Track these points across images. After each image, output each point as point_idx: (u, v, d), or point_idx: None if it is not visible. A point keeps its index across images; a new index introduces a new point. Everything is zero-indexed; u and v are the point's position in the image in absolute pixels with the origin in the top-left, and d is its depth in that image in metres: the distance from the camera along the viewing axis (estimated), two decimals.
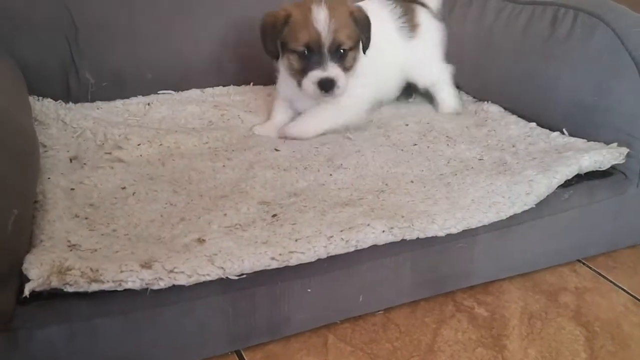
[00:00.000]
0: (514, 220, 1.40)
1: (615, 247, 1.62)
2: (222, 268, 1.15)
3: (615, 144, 1.54)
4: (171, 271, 1.12)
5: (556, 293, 1.48)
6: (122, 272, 1.08)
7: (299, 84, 1.65)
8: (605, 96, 1.57)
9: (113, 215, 1.34)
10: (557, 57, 1.69)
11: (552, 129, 1.69)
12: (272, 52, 1.67)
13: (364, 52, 1.69)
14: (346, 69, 1.64)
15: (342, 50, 1.62)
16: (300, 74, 1.64)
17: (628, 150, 1.52)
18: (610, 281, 1.52)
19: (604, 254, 1.61)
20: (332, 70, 1.60)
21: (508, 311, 1.41)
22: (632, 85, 1.54)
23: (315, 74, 1.60)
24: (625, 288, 1.50)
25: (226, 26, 2.08)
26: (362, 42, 1.67)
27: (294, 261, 1.20)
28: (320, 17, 1.58)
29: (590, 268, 1.57)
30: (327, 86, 1.60)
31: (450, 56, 1.99)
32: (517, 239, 1.46)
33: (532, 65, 1.75)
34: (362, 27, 1.66)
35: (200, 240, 1.22)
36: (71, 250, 1.15)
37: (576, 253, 1.59)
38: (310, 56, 1.61)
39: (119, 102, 1.93)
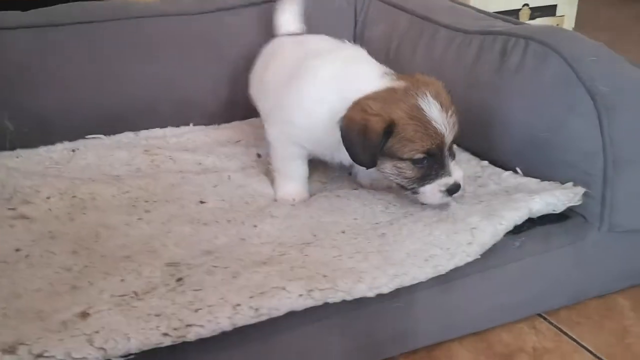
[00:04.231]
0: (457, 273, 1.24)
1: (580, 299, 1.46)
2: (103, 349, 0.98)
3: (570, 184, 1.37)
4: (39, 356, 0.95)
5: (512, 356, 1.31)
6: None
7: (413, 191, 1.37)
8: (560, 131, 1.42)
9: None
10: (508, 90, 1.54)
11: (506, 167, 1.54)
12: (365, 163, 1.36)
13: None
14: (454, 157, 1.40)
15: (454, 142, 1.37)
16: (415, 181, 1.35)
17: (585, 190, 1.36)
18: (573, 339, 1.35)
19: (568, 306, 1.45)
20: (457, 172, 1.35)
21: None
22: (587, 119, 1.38)
23: (443, 182, 1.33)
24: (589, 347, 1.33)
25: (160, 66, 1.94)
26: None
27: (192, 336, 1.04)
28: (437, 114, 1.30)
29: (552, 324, 1.40)
30: (455, 191, 1.35)
31: None
32: (463, 294, 1.30)
33: (484, 99, 1.60)
34: None
35: (84, 315, 1.06)
36: None
37: (535, 307, 1.42)
38: (428, 162, 1.34)
39: (42, 149, 1.78)
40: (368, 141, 1.30)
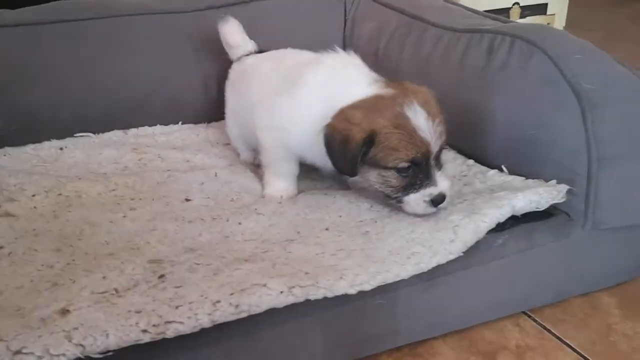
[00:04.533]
0: (440, 271, 1.24)
1: (564, 297, 1.46)
2: (82, 345, 0.98)
3: (554, 181, 1.37)
4: (18, 352, 0.96)
5: (494, 353, 1.31)
6: None
7: (397, 200, 1.36)
8: (545, 130, 1.42)
9: None
10: (494, 88, 1.54)
11: (492, 166, 1.53)
12: (346, 172, 1.37)
13: None
14: (442, 167, 1.38)
15: (441, 151, 1.36)
16: (400, 190, 1.34)
17: (568, 187, 1.35)
18: (557, 337, 1.35)
19: (553, 304, 1.44)
20: (443, 183, 1.33)
21: None
22: (572, 118, 1.38)
23: (428, 192, 1.31)
24: (573, 345, 1.33)
25: (149, 64, 1.94)
26: None
27: (171, 333, 1.04)
28: (423, 123, 1.29)
29: (536, 321, 1.40)
30: (439, 202, 1.32)
31: None
32: (446, 291, 1.29)
33: (470, 97, 1.60)
34: None
35: (64, 311, 1.06)
36: None
37: (520, 305, 1.42)
38: (414, 171, 1.32)
39: (29, 147, 1.79)
40: (349, 151, 1.30)
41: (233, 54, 1.86)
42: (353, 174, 1.36)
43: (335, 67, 1.45)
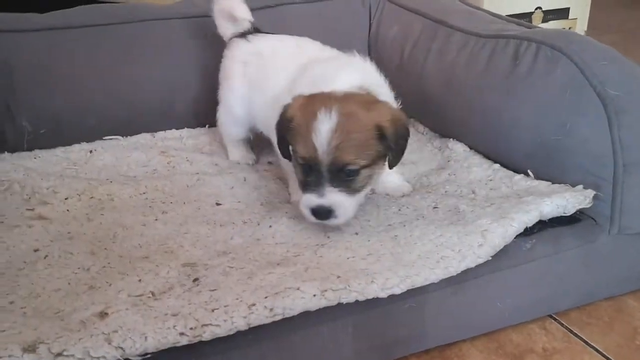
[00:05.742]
0: (469, 274, 1.25)
1: (590, 300, 1.47)
2: (121, 348, 1.01)
3: (580, 187, 1.39)
4: (59, 354, 0.98)
5: (522, 356, 1.33)
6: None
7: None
8: (570, 135, 1.43)
9: (16, 283, 1.21)
10: (519, 94, 1.55)
11: (517, 170, 1.55)
12: (282, 152, 1.39)
13: (390, 167, 1.37)
14: (355, 190, 1.31)
15: (348, 170, 1.29)
16: (300, 186, 1.34)
17: (595, 193, 1.37)
18: (583, 340, 1.36)
19: (578, 308, 1.46)
20: (330, 196, 1.27)
21: None
22: (597, 123, 1.39)
23: (309, 199, 1.29)
24: (598, 348, 1.34)
25: (173, 69, 1.97)
26: (389, 156, 1.33)
27: (207, 335, 1.06)
28: (322, 129, 1.24)
29: (562, 325, 1.41)
30: (321, 215, 1.29)
31: (412, 91, 1.86)
32: (474, 295, 1.31)
33: (495, 103, 1.61)
34: (396, 140, 1.31)
35: (102, 314, 1.08)
36: None
37: (546, 308, 1.43)
38: (309, 173, 1.30)
39: (59, 150, 1.81)
40: (280, 127, 1.34)
41: (230, 30, 1.80)
42: (286, 154, 1.38)
43: (332, 66, 1.48)
